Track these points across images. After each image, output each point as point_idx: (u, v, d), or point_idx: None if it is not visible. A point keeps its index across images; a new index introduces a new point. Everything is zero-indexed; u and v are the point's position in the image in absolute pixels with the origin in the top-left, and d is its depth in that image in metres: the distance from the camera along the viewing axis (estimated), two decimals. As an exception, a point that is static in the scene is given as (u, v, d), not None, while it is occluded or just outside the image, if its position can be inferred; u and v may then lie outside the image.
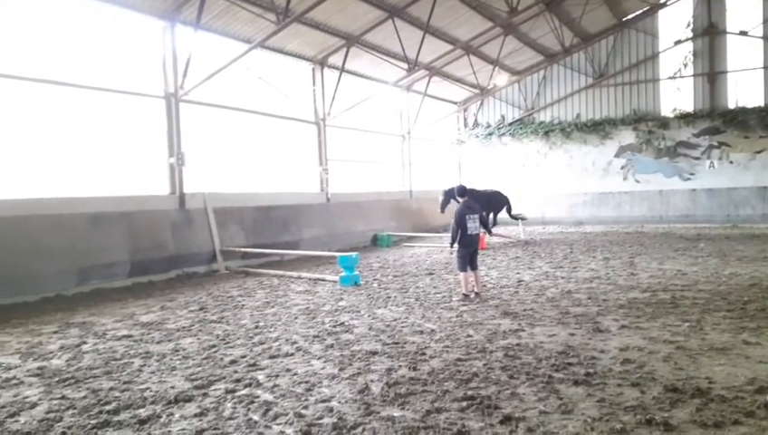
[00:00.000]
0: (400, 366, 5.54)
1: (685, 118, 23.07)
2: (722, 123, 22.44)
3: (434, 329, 7.03)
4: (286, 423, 4.27)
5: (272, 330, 7.32)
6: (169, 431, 4.23)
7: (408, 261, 14.22)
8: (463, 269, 9.15)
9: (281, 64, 17.06)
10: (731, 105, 22.56)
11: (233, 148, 15.45)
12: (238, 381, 5.30)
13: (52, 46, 11.20)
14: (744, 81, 22.46)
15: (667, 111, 23.73)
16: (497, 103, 26.86)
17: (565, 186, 25.15)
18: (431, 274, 11.82)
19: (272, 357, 6.06)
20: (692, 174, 23.10)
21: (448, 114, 26.59)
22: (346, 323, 7.50)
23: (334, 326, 7.36)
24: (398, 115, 23.47)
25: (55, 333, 7.60)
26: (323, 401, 4.69)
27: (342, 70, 18.14)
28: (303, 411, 4.49)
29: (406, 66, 19.08)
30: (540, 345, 6.11)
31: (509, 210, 19.50)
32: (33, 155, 10.97)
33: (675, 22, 23.39)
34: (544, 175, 25.56)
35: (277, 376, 5.40)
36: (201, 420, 4.39)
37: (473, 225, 9.10)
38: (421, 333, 6.88)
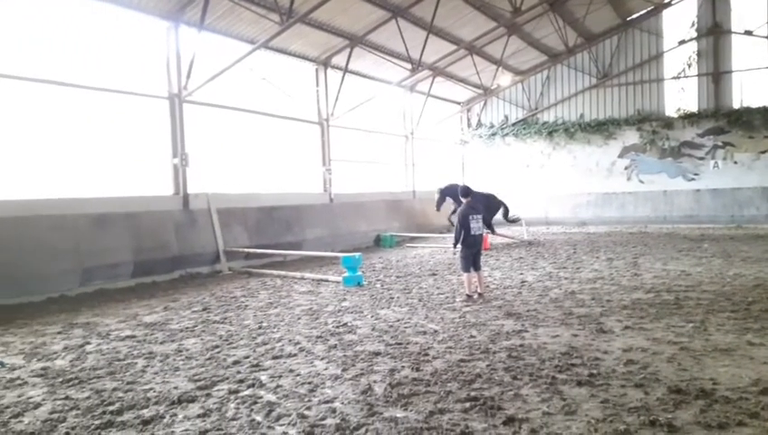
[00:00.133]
0: (403, 367, 5.54)
1: (689, 118, 22.98)
2: (726, 123, 22.34)
3: (437, 330, 7.03)
4: (289, 424, 4.27)
5: (275, 330, 7.33)
6: (173, 432, 4.24)
7: (411, 262, 14.21)
8: (466, 270, 9.14)
9: (284, 65, 17.08)
10: (735, 105, 22.46)
11: (236, 148, 15.48)
12: (241, 381, 5.31)
13: (56, 47, 11.23)
14: (748, 80, 22.36)
15: (671, 111, 23.66)
16: (501, 103, 26.83)
17: (569, 186, 25.09)
18: (434, 274, 11.81)
19: (275, 358, 6.07)
20: (696, 174, 23.01)
21: (452, 114, 26.57)
22: (349, 324, 7.50)
23: (337, 327, 7.36)
24: (401, 115, 23.47)
25: (59, 333, 7.62)
26: (326, 402, 4.69)
27: (346, 70, 18.16)
28: (306, 412, 4.49)
29: (409, 66, 19.07)
30: (543, 346, 6.09)
31: (505, 214, 19.38)
32: (37, 156, 11.00)
33: (679, 21, 23.32)
34: (548, 175, 25.51)
35: (280, 377, 5.41)
36: (204, 421, 4.40)
37: (476, 225, 9.09)
38: (424, 333, 6.87)
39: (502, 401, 4.56)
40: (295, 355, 6.14)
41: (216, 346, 6.63)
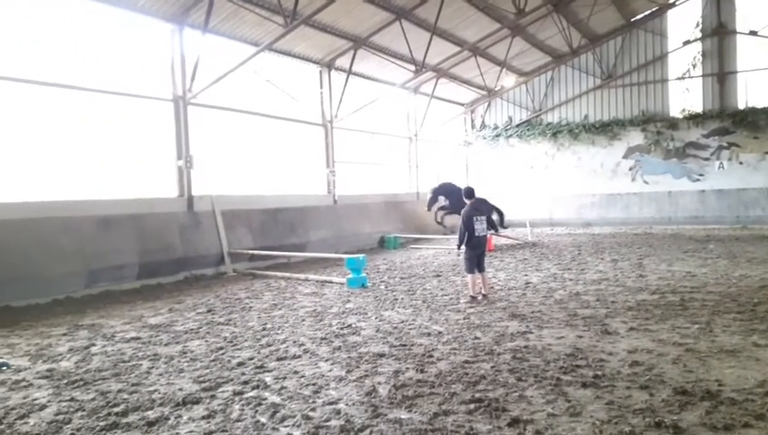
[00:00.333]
0: (408, 368, 5.53)
1: (694, 118, 22.92)
2: (731, 124, 22.27)
3: (441, 331, 7.02)
4: (294, 425, 4.28)
5: (279, 332, 7.33)
6: (177, 433, 4.25)
7: (415, 263, 14.21)
8: (470, 271, 9.14)
9: (288, 67, 17.12)
10: (740, 105, 22.38)
11: (240, 150, 15.52)
12: (246, 383, 5.31)
13: (62, 50, 11.29)
14: (753, 81, 22.28)
15: (675, 111, 23.59)
16: (505, 105, 26.81)
17: (573, 187, 25.04)
18: (438, 276, 11.81)
19: (279, 359, 6.07)
20: (701, 175, 22.93)
21: (456, 116, 26.57)
22: (353, 326, 7.50)
23: (341, 328, 7.36)
24: (405, 117, 23.48)
25: (64, 335, 7.65)
26: (331, 404, 4.69)
27: (350, 72, 18.17)
28: (311, 414, 4.49)
29: (413, 68, 19.09)
30: (548, 348, 6.08)
31: (500, 220, 19.43)
32: (43, 158, 11.05)
33: (683, 22, 23.27)
34: (552, 176, 25.47)
35: (285, 378, 5.41)
36: (209, 423, 4.41)
37: (480, 226, 9.08)
38: (428, 335, 6.87)
39: (506, 402, 4.55)
40: (300, 357, 6.14)
41: (221, 348, 6.64)
